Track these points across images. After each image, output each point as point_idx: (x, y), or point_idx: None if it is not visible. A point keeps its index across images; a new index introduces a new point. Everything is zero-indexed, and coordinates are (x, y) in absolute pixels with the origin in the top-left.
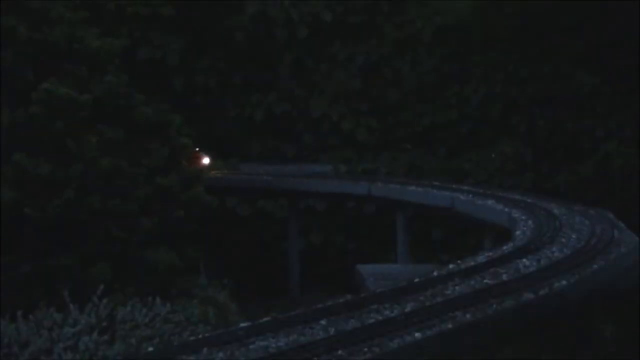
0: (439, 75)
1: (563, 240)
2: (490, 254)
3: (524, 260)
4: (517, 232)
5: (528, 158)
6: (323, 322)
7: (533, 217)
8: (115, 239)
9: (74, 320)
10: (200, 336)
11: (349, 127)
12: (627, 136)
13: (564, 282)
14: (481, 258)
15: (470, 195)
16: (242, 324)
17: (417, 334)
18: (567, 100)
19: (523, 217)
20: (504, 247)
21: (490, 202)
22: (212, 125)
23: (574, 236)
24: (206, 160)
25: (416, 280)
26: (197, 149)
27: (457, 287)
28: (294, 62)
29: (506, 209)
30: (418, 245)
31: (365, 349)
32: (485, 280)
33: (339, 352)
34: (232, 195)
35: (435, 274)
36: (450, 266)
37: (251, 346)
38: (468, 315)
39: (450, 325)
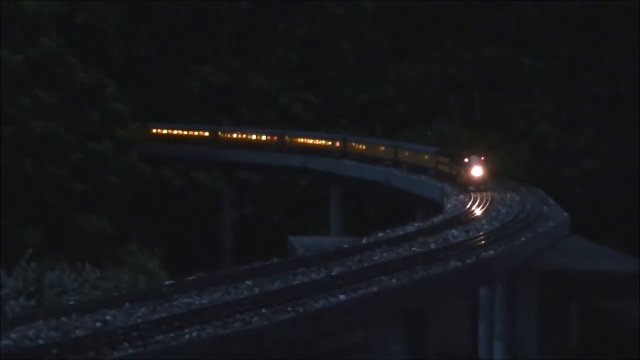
0: (379, 52)
1: (493, 213)
2: (420, 224)
3: (453, 231)
4: (449, 205)
5: (464, 137)
6: (249, 282)
7: (464, 192)
8: (47, 204)
9: (1, 284)
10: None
11: (286, 101)
12: (562, 119)
13: (491, 252)
14: (410, 228)
15: (405, 171)
16: (167, 282)
17: (341, 296)
18: (504, 82)
19: (455, 192)
20: (434, 219)
21: (424, 177)
22: (151, 94)
23: (504, 210)
24: (477, 171)
25: (345, 246)
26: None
27: (384, 254)
28: (234, 35)
29: (439, 184)
30: (352, 220)
31: (289, 309)
32: (413, 248)
33: (263, 310)
34: (167, 165)
35: (364, 241)
36: (380, 234)
37: (174, 302)
38: (394, 280)
39: (375, 289)
